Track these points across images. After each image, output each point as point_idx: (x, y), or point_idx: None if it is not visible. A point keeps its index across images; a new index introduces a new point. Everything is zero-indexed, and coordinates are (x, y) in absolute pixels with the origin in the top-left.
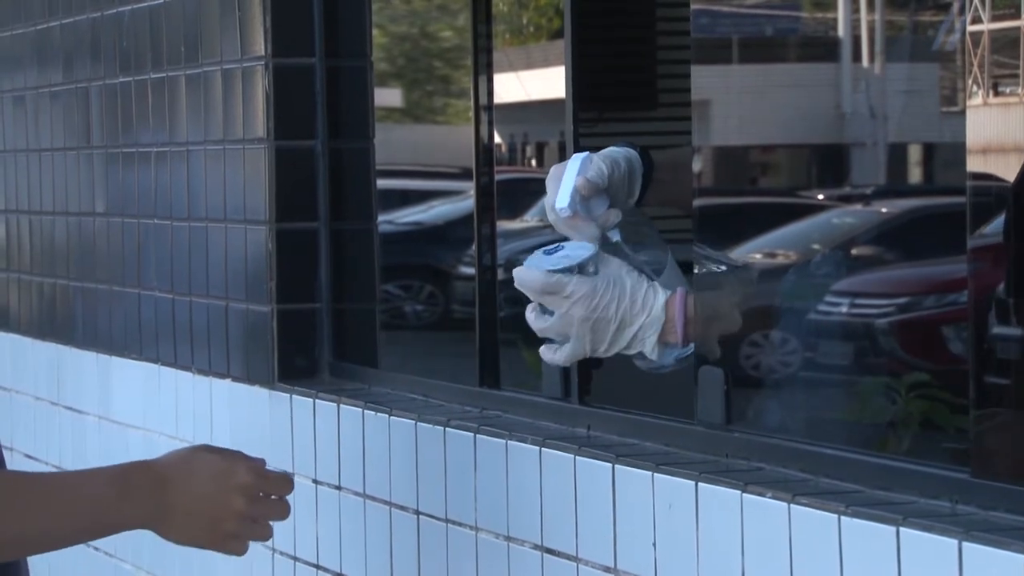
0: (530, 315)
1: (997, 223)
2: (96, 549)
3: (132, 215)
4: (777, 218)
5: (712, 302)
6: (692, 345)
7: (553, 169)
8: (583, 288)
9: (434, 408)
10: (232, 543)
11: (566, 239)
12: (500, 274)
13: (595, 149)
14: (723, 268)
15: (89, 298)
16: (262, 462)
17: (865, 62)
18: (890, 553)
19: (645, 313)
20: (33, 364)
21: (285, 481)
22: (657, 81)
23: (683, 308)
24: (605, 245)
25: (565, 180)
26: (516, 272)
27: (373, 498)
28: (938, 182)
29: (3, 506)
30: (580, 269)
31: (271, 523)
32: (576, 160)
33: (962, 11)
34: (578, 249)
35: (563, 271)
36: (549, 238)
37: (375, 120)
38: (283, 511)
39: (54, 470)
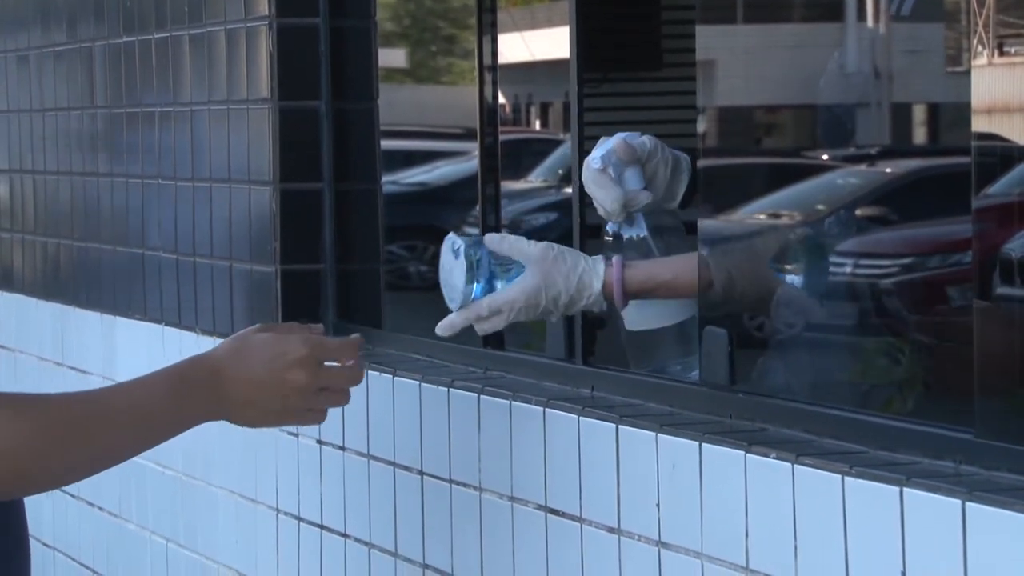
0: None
1: (1001, 183)
2: (100, 509)
3: (136, 175)
4: (782, 178)
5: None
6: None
7: (603, 138)
8: (518, 302)
9: (438, 369)
10: (306, 416)
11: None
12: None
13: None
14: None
15: (93, 258)
16: (319, 330)
17: (870, 22)
18: (894, 513)
19: (585, 298)
20: (37, 324)
21: (346, 346)
22: (661, 41)
23: (620, 277)
24: (627, 237)
25: (608, 142)
26: (440, 328)
27: (377, 459)
28: (943, 142)
29: (65, 430)
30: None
31: (349, 389)
32: (626, 133)
33: None
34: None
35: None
36: (554, 199)
37: (379, 81)
38: (353, 377)
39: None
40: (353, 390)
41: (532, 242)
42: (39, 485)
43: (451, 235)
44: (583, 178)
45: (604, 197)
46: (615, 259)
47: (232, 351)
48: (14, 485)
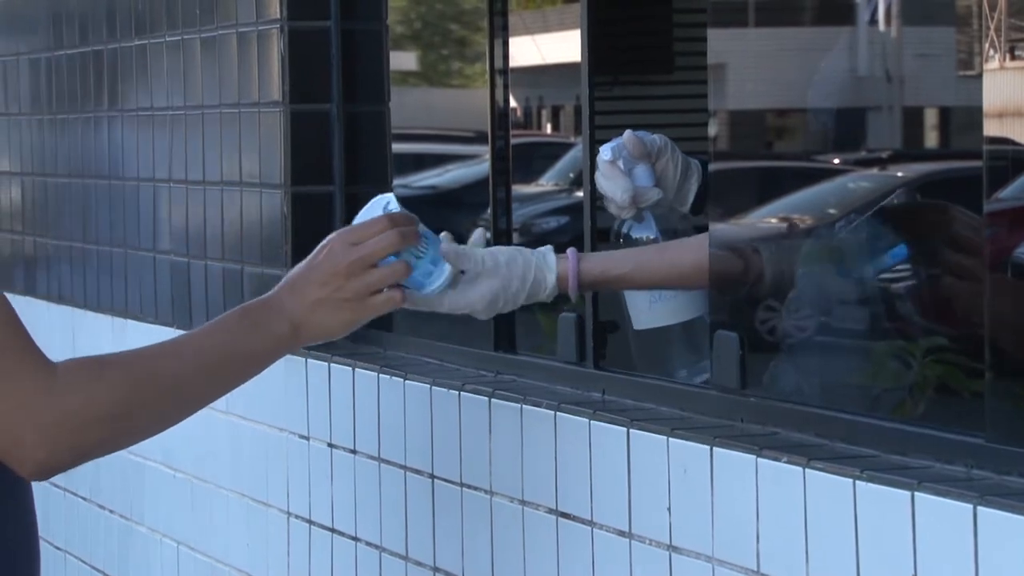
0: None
1: (1013, 187)
2: (111, 511)
3: (148, 178)
4: (793, 182)
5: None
6: None
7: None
8: (478, 304)
9: (449, 372)
10: (370, 301)
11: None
12: (516, 238)
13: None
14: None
15: (104, 261)
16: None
17: (881, 25)
18: (905, 518)
19: (541, 292)
20: (47, 327)
21: (372, 223)
22: (673, 45)
23: (576, 270)
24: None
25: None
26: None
27: (388, 462)
28: (954, 146)
29: (151, 385)
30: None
31: (399, 261)
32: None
33: None
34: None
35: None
36: (565, 202)
37: (390, 84)
38: (387, 242)
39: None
40: (364, 392)
41: (485, 253)
42: (132, 440)
43: (391, 196)
44: (596, 177)
45: (613, 188)
46: (570, 252)
47: (284, 283)
48: (110, 443)
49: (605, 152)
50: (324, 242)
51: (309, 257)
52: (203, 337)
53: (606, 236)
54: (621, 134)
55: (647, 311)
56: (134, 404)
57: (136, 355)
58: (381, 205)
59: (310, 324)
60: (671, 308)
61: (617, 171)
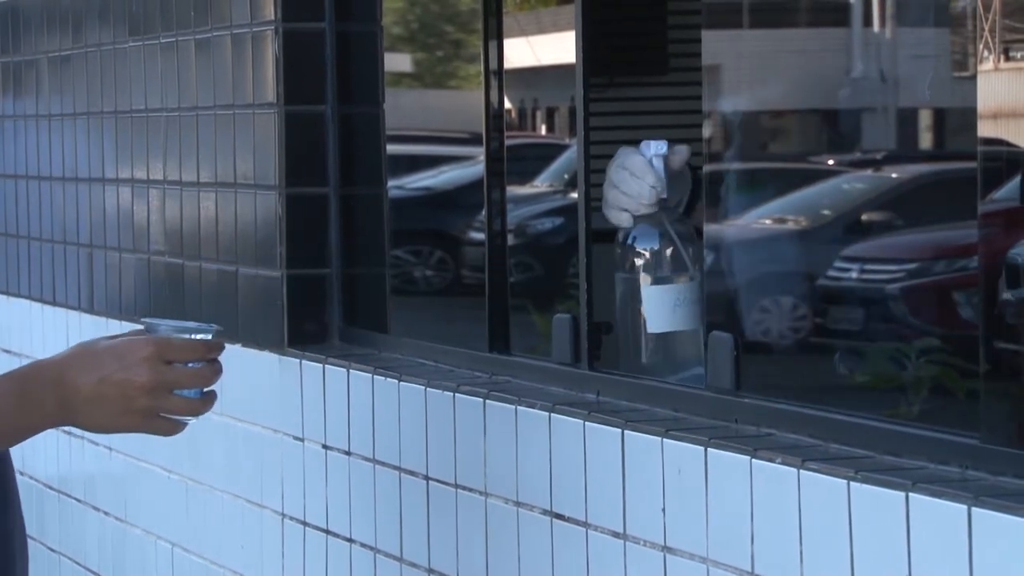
0: None
1: (1007, 187)
2: (106, 513)
3: (142, 180)
4: (787, 183)
5: None
6: None
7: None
8: None
9: (444, 373)
10: (154, 422)
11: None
12: (510, 239)
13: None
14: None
15: (99, 262)
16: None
17: (876, 27)
18: (899, 518)
19: None
20: (40, 330)
21: (194, 346)
22: (668, 46)
23: None
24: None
25: (670, 146)
26: None
27: (383, 463)
28: (949, 147)
29: None
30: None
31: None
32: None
33: None
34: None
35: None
36: (560, 204)
37: (385, 85)
38: (200, 377)
39: None
40: (359, 394)
41: None
42: None
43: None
44: (615, 167)
45: (640, 186)
46: None
47: (76, 355)
48: None
49: (660, 146)
50: (138, 342)
51: (118, 344)
52: None
53: (599, 238)
54: (616, 137)
55: (670, 314)
56: None
57: None
58: (200, 328)
59: (83, 414)
60: (696, 312)
61: (650, 169)
